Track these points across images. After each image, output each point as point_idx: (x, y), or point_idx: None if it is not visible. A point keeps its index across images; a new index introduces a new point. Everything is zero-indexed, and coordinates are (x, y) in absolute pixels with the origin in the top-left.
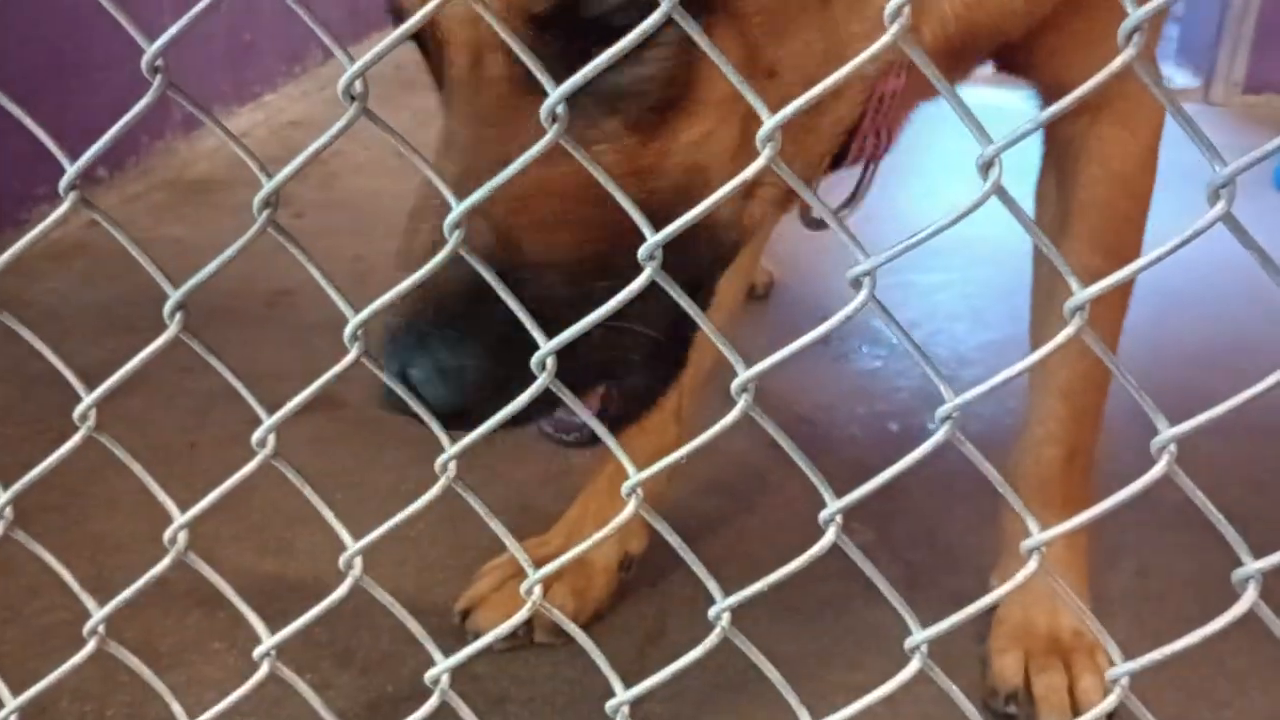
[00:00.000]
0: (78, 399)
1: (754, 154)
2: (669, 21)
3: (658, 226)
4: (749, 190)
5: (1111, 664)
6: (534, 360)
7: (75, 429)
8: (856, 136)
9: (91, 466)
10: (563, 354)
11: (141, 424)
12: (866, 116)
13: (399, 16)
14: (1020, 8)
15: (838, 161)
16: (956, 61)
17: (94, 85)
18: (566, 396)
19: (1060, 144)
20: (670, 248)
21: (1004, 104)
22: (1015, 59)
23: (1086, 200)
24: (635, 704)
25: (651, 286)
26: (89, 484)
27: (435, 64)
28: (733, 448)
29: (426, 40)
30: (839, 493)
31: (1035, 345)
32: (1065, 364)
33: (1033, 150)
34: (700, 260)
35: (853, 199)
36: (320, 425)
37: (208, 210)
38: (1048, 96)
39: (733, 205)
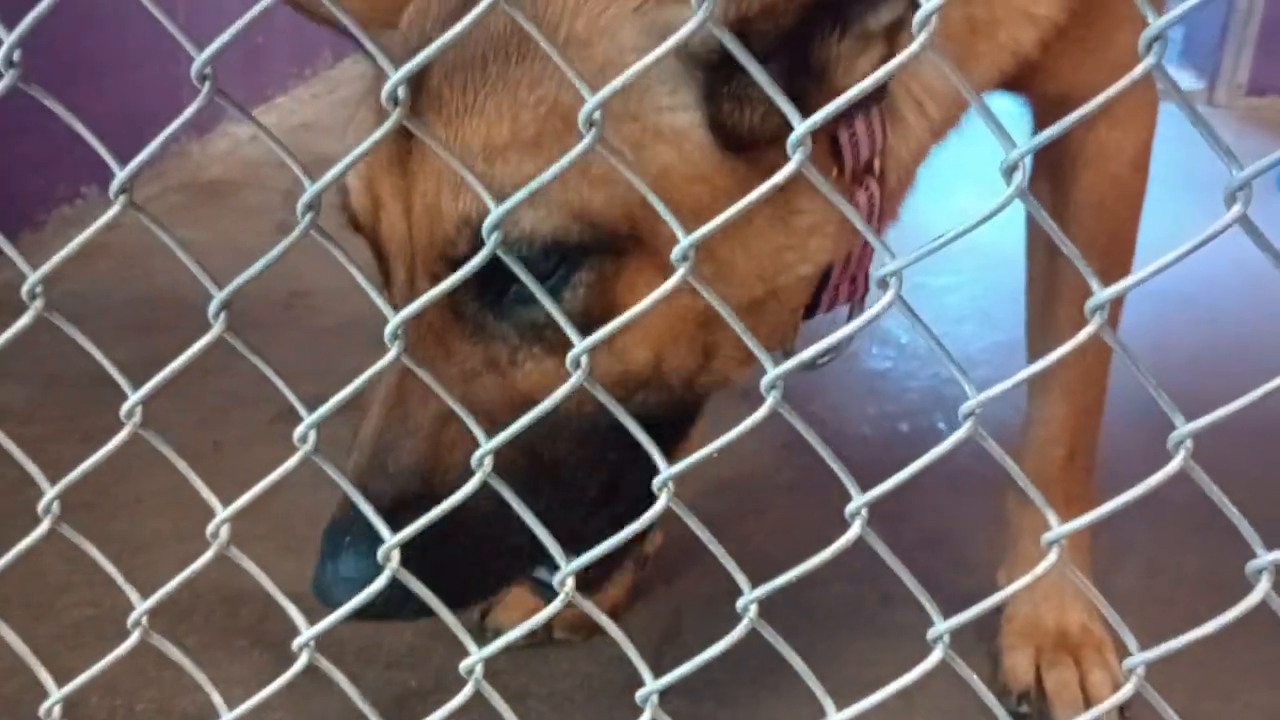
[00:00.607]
0: (99, 399)
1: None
2: (579, 267)
3: (599, 431)
4: (708, 353)
5: (1128, 654)
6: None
7: (100, 428)
8: (826, 290)
9: (117, 466)
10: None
11: (165, 424)
12: (834, 273)
13: (355, 224)
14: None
15: (810, 312)
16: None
17: (105, 88)
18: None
19: (1055, 147)
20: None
21: (1005, 107)
22: (1018, 74)
23: (1082, 202)
24: (657, 698)
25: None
26: (115, 483)
27: (382, 270)
28: (744, 448)
29: (376, 248)
30: None
31: (1033, 344)
32: (1066, 364)
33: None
34: (669, 419)
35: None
36: (338, 427)
37: (221, 213)
38: (1044, 105)
39: (692, 369)
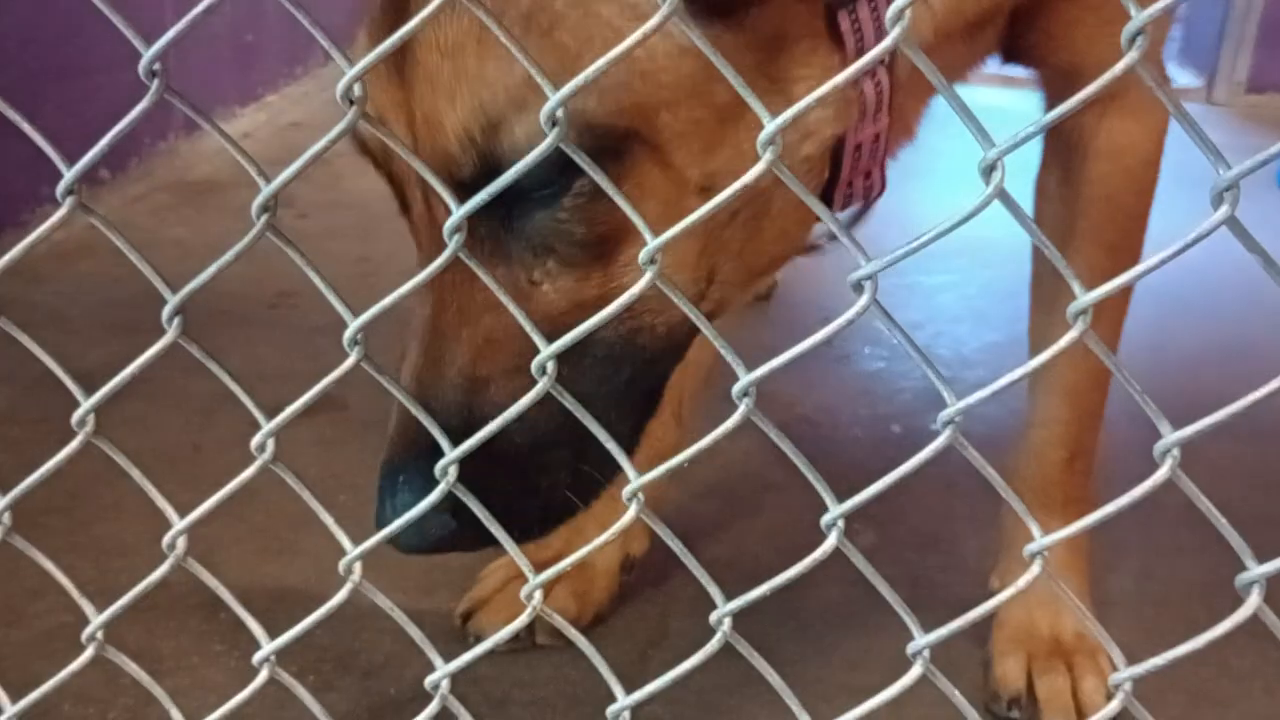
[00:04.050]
0: (80, 402)
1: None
2: (581, 174)
3: (616, 347)
4: (708, 276)
5: (1115, 668)
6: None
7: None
8: (838, 187)
9: (96, 469)
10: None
11: (145, 426)
12: (844, 167)
13: (362, 148)
14: None
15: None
16: (963, 48)
17: (96, 87)
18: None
19: (1065, 137)
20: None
21: (1006, 105)
22: (1027, 38)
23: (1093, 195)
24: (637, 707)
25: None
26: (93, 486)
27: (399, 196)
28: (734, 450)
29: (390, 174)
30: (841, 494)
31: (1035, 346)
32: (1068, 366)
33: (1032, 144)
34: (657, 356)
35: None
36: (323, 428)
37: (210, 212)
38: (1055, 82)
39: (692, 291)
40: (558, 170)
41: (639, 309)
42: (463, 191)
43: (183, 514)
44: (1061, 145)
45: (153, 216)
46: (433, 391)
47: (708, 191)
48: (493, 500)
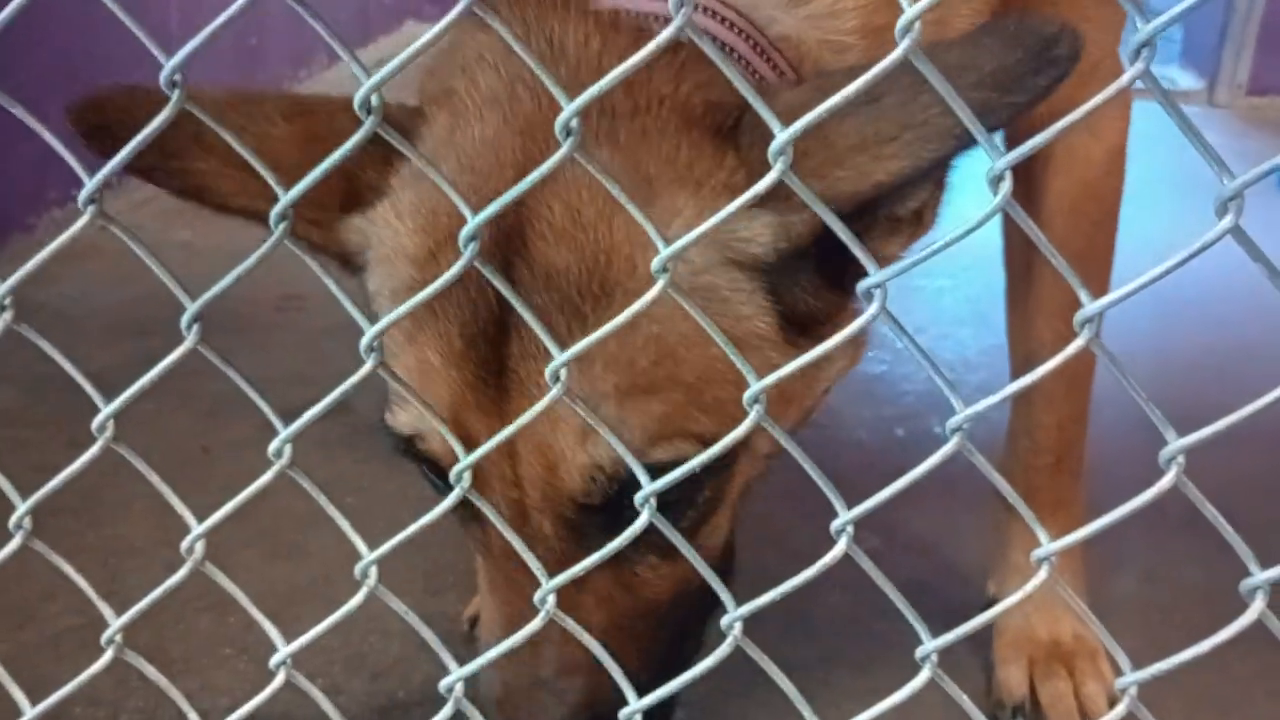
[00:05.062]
0: (89, 402)
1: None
2: (700, 487)
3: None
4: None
5: (1119, 672)
6: None
7: (88, 433)
8: None
9: (105, 471)
10: None
11: (154, 428)
12: None
13: (408, 445)
14: None
15: None
16: None
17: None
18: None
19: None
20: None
21: None
22: None
23: (1055, 208)
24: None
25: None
26: (103, 488)
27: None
28: None
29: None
30: (846, 498)
31: (1014, 350)
32: (1050, 373)
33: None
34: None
35: None
36: (328, 430)
37: (215, 216)
38: None
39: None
40: (684, 488)
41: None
42: (587, 512)
43: (196, 517)
44: (1022, 162)
45: (159, 219)
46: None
47: (770, 457)
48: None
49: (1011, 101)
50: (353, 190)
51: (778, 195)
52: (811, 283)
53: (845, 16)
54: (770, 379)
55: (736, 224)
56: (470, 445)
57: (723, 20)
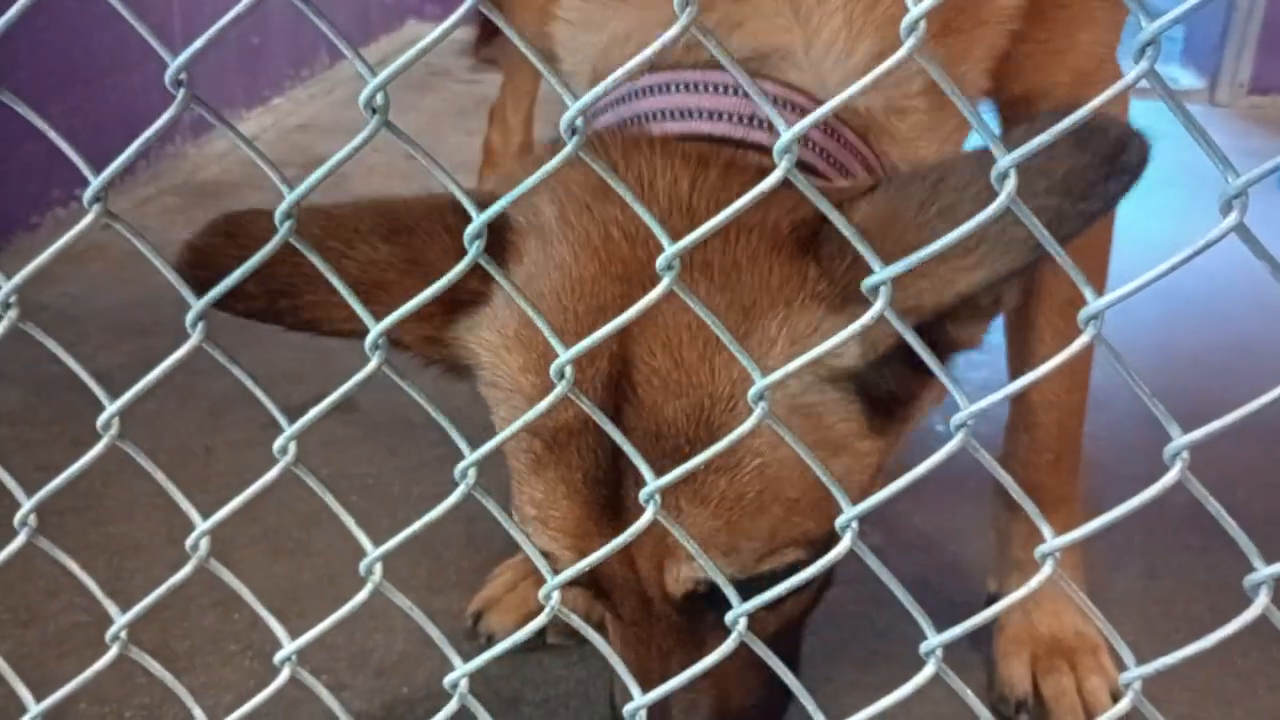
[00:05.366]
0: (92, 401)
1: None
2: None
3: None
4: None
5: (1122, 668)
6: None
7: (91, 432)
8: None
9: (109, 470)
10: None
11: (156, 427)
12: None
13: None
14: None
15: None
16: None
17: (103, 90)
18: None
19: None
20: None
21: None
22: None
23: None
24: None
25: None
26: (106, 486)
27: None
28: None
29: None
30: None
31: (1012, 347)
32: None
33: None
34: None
35: None
36: (333, 428)
37: (217, 213)
38: (1012, 108)
39: None
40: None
41: None
42: (696, 601)
43: (200, 515)
44: None
45: (161, 219)
46: None
47: None
48: None
49: (1084, 210)
50: (455, 299)
51: (859, 303)
52: (894, 373)
53: (909, 82)
54: (861, 508)
55: (816, 344)
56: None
57: (793, 108)
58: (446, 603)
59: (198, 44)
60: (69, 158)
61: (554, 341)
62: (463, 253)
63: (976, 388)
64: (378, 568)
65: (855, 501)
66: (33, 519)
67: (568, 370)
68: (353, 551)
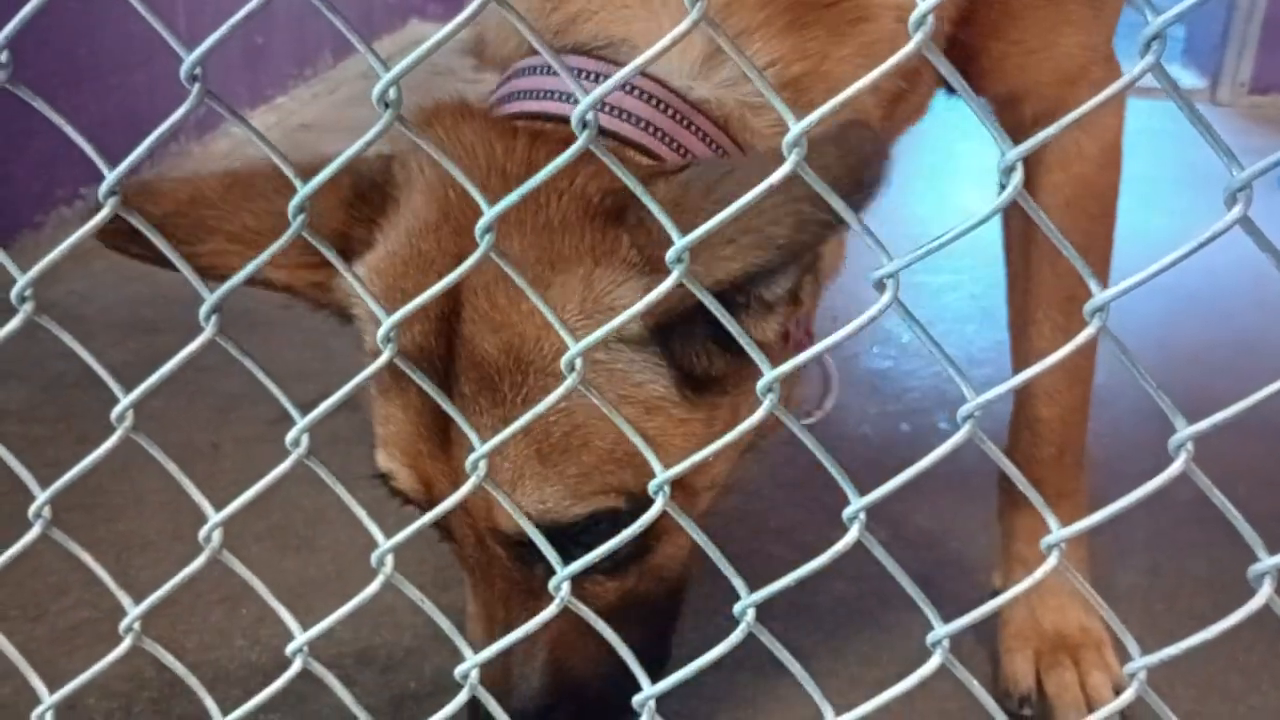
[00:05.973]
0: (100, 400)
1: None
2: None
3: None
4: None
5: (1124, 660)
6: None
7: (97, 429)
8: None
9: (116, 466)
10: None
11: (164, 424)
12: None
13: (404, 499)
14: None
15: None
16: (913, 96)
17: (108, 89)
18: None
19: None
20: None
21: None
22: (965, 73)
23: (1051, 204)
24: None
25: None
26: (115, 483)
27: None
28: None
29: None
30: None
31: (1015, 342)
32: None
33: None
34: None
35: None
36: (338, 425)
37: None
38: (1001, 105)
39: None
40: (608, 529)
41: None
42: (521, 545)
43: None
44: None
45: None
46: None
47: (711, 490)
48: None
49: (823, 219)
50: (344, 248)
51: (646, 269)
52: (705, 347)
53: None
54: (672, 472)
55: (612, 301)
56: (426, 484)
57: (641, 94)
58: (452, 600)
59: (212, 39)
60: (73, 157)
61: (377, 310)
62: (350, 205)
63: (980, 385)
64: (389, 559)
65: (668, 466)
66: (47, 510)
67: (393, 335)
68: (359, 549)
